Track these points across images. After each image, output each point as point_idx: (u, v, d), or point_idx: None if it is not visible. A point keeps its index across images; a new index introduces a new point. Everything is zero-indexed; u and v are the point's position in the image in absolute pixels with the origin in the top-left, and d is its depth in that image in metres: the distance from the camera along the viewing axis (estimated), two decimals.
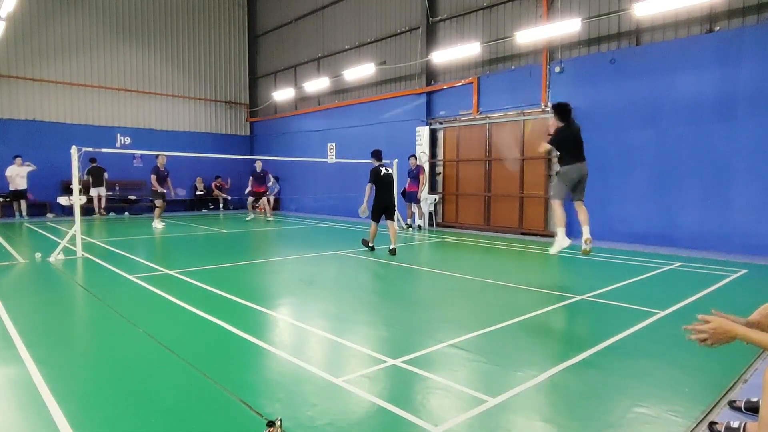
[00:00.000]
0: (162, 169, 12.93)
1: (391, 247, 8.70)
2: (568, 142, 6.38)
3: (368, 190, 8.86)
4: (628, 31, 10.16)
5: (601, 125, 10.51)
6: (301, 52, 18.78)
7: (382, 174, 8.84)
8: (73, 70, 17.08)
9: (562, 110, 6.47)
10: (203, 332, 4.35)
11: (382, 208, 8.92)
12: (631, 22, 10.03)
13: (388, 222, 8.95)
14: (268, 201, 16.24)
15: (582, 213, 6.39)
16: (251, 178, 15.28)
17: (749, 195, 8.65)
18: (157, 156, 12.95)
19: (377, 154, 9.15)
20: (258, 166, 15.09)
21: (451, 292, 6.13)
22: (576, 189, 6.41)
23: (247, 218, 15.38)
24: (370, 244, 9.08)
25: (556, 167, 10.97)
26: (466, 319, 4.82)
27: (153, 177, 12.86)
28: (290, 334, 4.43)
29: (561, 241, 6.25)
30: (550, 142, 6.44)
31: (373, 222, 9.01)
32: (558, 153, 6.51)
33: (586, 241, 6.30)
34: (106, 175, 16.12)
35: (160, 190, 12.89)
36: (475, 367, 3.55)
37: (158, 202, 13.19)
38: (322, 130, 17.97)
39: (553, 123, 6.61)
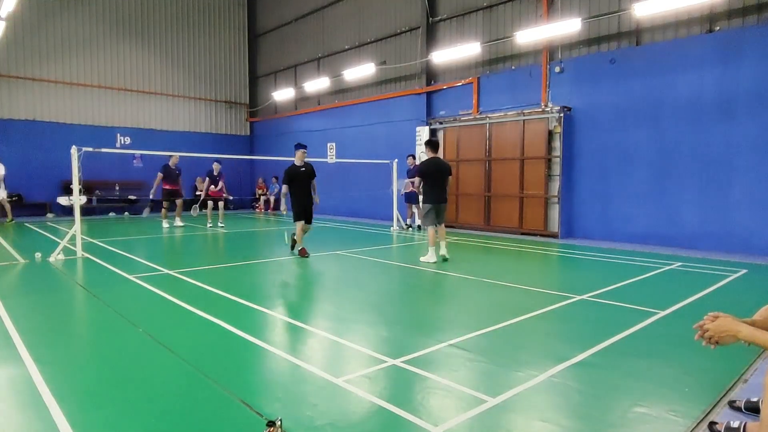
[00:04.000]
0: (173, 167, 13.04)
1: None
2: (433, 177, 7.97)
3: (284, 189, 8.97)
4: (628, 31, 10.16)
5: (601, 125, 10.52)
6: (301, 52, 18.78)
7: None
8: (73, 70, 17.09)
9: (434, 144, 8.17)
10: (203, 332, 4.35)
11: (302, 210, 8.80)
12: (631, 22, 10.03)
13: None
14: (216, 205, 13.91)
15: (442, 232, 8.28)
16: (209, 180, 13.68)
17: (749, 195, 8.65)
18: (170, 156, 13.05)
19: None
20: (215, 168, 13.62)
21: (451, 292, 6.13)
22: (438, 218, 8.16)
23: (210, 224, 13.64)
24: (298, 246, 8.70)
25: (555, 169, 11.04)
26: (466, 319, 4.82)
27: (159, 175, 12.91)
28: (290, 334, 4.43)
29: (431, 257, 7.93)
30: (418, 174, 8.08)
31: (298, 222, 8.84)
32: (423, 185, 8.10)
33: (446, 252, 8.13)
34: (2, 172, 13.80)
35: (155, 186, 12.97)
36: (475, 367, 3.55)
37: (166, 204, 13.31)
38: (322, 130, 17.97)
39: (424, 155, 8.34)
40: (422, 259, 7.99)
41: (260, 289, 6.40)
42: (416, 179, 8.13)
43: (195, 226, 13.55)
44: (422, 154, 13.58)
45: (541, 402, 2.99)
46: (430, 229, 8.07)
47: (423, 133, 13.78)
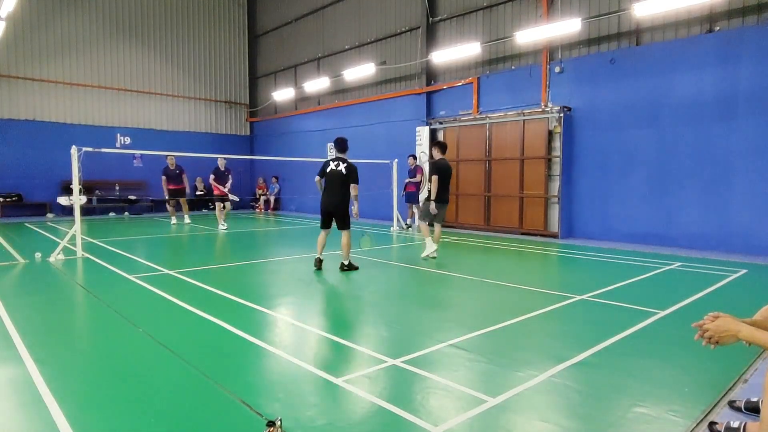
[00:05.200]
0: (172, 168, 13.63)
1: (343, 261, 7.21)
2: (446, 176, 8.18)
3: (317, 183, 7.31)
4: (628, 31, 10.16)
5: (601, 125, 10.52)
6: (301, 52, 18.78)
7: (328, 170, 7.14)
8: (73, 70, 17.09)
9: (443, 146, 8.29)
10: (203, 332, 4.35)
11: (323, 213, 7.26)
12: (631, 22, 10.03)
13: (341, 233, 7.24)
14: (224, 205, 13.17)
15: (438, 230, 8.39)
16: (214, 177, 12.93)
17: (749, 195, 8.65)
18: (166, 157, 13.55)
19: (339, 143, 7.34)
20: (221, 164, 13.00)
21: (451, 292, 6.12)
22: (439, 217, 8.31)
23: (222, 226, 12.68)
24: (316, 257, 7.32)
25: (556, 169, 11.04)
26: (466, 319, 4.82)
27: (163, 178, 13.65)
28: (290, 334, 4.43)
29: (430, 248, 8.18)
30: (435, 173, 8.01)
31: (320, 229, 7.38)
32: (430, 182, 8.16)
33: (435, 251, 8.25)
34: None
35: (165, 191, 13.73)
36: (475, 367, 3.55)
37: (172, 202, 14.02)
38: (322, 130, 17.97)
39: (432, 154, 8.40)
40: (423, 255, 8.20)
41: (260, 289, 6.39)
42: (434, 177, 7.98)
43: (196, 226, 13.56)
44: (422, 154, 13.61)
45: (541, 402, 2.99)
46: (423, 224, 8.35)
47: (423, 133, 13.79)
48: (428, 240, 8.17)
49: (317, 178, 7.27)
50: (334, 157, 7.28)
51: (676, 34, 9.52)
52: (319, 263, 7.30)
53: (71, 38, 17.03)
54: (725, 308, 2.43)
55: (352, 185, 7.12)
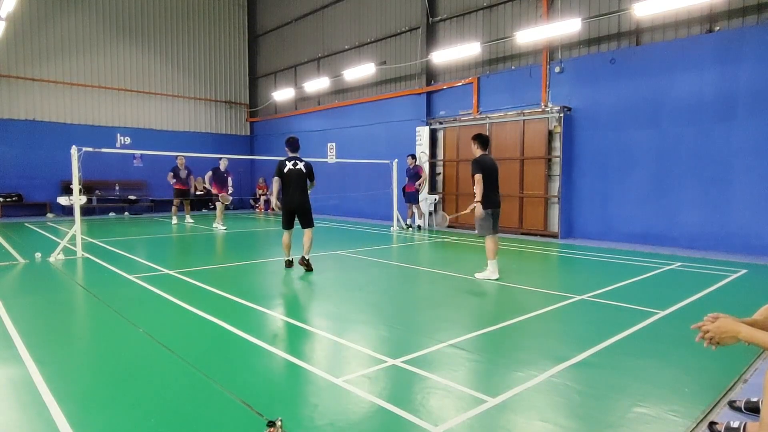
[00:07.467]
0: (182, 168, 13.80)
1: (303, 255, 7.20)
2: (492, 175, 6.74)
3: (275, 183, 7.37)
4: (628, 31, 10.16)
5: (601, 125, 10.52)
6: (301, 52, 18.78)
7: (286, 170, 7.21)
8: (73, 70, 17.09)
9: (484, 140, 6.89)
10: (203, 332, 4.35)
11: (287, 212, 7.31)
12: (631, 22, 10.03)
13: (304, 231, 7.36)
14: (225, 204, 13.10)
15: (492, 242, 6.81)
16: (211, 174, 12.94)
17: (749, 195, 8.65)
18: (176, 157, 13.76)
19: (291, 143, 7.44)
20: (222, 165, 12.98)
21: (451, 292, 6.12)
22: (495, 226, 6.79)
23: (221, 227, 12.68)
24: (286, 259, 7.45)
25: (556, 169, 11.04)
26: (466, 319, 4.82)
27: (169, 175, 13.74)
28: (290, 334, 4.43)
29: (492, 272, 6.62)
30: (479, 171, 6.61)
31: (284, 231, 7.40)
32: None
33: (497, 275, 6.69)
34: None
35: (173, 189, 13.94)
36: (475, 367, 3.55)
37: (177, 201, 14.20)
38: (322, 130, 17.97)
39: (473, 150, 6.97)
40: (479, 276, 6.65)
41: (260, 289, 6.39)
42: (477, 175, 6.55)
43: (196, 226, 13.56)
44: (422, 154, 13.61)
45: (541, 402, 2.99)
46: (489, 240, 6.66)
47: (423, 134, 13.79)
48: (492, 263, 6.59)
49: (275, 178, 7.36)
50: (288, 157, 7.37)
51: (676, 34, 9.52)
52: (289, 264, 7.44)
53: (71, 38, 17.04)
54: (725, 308, 2.43)
55: (311, 181, 7.40)
